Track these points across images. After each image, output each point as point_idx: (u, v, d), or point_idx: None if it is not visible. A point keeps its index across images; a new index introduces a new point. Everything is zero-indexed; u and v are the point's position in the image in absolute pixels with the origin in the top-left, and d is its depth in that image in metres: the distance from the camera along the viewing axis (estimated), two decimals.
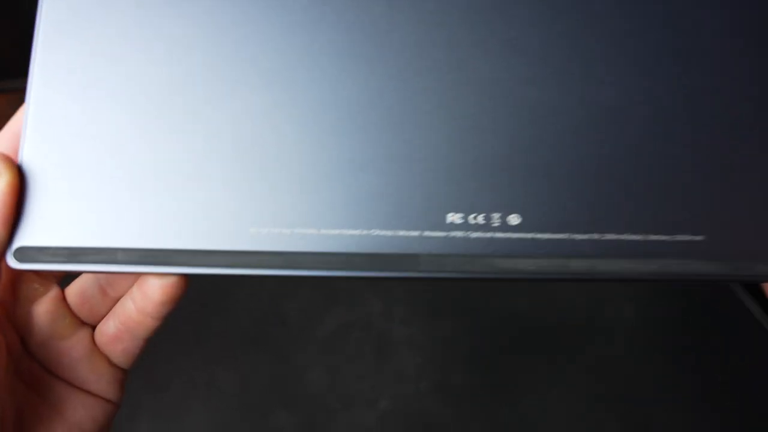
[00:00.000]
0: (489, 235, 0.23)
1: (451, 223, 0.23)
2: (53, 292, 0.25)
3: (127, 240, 0.22)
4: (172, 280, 0.23)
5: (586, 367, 0.54)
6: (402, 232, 0.23)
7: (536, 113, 0.23)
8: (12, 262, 0.22)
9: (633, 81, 0.24)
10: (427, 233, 0.23)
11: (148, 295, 0.23)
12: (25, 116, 0.23)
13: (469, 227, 0.23)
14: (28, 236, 0.22)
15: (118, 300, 0.25)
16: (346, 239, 0.22)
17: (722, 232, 0.23)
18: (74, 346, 0.25)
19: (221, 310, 0.53)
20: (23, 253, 0.22)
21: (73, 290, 0.26)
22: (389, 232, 0.23)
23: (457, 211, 0.23)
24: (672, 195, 0.23)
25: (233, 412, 0.51)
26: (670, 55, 0.24)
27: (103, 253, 0.22)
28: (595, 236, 0.23)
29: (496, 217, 0.23)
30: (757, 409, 0.53)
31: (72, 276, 0.25)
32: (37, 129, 0.23)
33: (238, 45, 0.23)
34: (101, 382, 0.25)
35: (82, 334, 0.25)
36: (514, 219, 0.23)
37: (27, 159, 0.23)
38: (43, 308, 0.24)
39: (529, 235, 0.23)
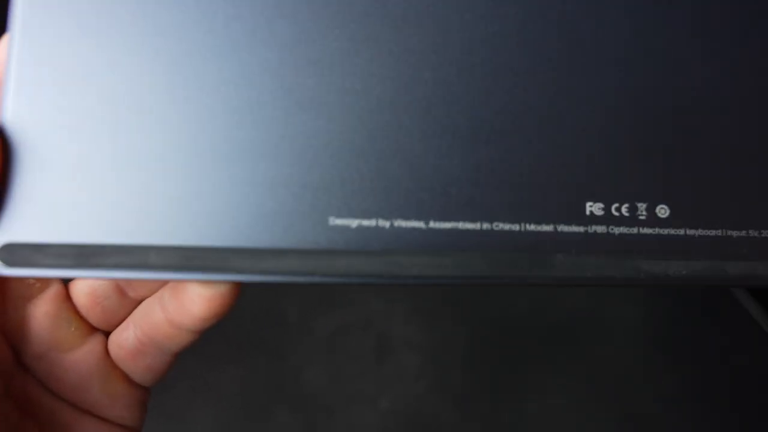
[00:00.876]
0: (635, 230, 0.18)
1: (591, 215, 0.18)
2: (54, 289, 0.18)
3: (163, 235, 0.16)
4: (221, 290, 0.17)
5: (587, 367, 0.53)
6: (530, 227, 0.17)
7: (686, 81, 0.19)
8: None
9: None
10: (562, 228, 0.18)
11: (187, 307, 0.17)
12: (7, 66, 0.16)
13: (611, 220, 0.18)
14: (18, 229, 0.15)
15: (140, 302, 0.19)
16: (461, 234, 0.17)
17: None
18: (82, 359, 0.19)
19: None
20: (12, 254, 0.15)
21: (80, 288, 0.19)
22: (515, 227, 0.17)
23: (597, 200, 0.18)
24: None
25: (234, 411, 0.50)
26: None
27: (128, 254, 0.16)
28: (753, 233, 0.19)
29: (641, 208, 0.18)
30: (757, 410, 0.54)
31: None
32: (25, 80, 0.16)
33: (265, 17, 0.17)
34: (117, 405, 0.19)
35: (93, 345, 0.19)
36: (662, 211, 0.18)
37: (12, 119, 0.15)
38: (42, 310, 0.18)
39: (680, 231, 0.18)
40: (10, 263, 0.15)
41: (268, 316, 0.52)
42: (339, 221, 0.17)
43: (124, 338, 0.19)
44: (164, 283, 0.18)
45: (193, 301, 0.17)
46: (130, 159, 0.16)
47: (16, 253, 0.15)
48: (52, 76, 0.16)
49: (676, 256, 0.18)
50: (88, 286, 0.19)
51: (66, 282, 0.19)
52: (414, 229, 0.17)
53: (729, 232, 0.18)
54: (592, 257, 0.18)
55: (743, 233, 0.19)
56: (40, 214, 0.15)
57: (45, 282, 0.18)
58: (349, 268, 0.16)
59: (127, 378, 0.19)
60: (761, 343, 0.54)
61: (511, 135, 0.18)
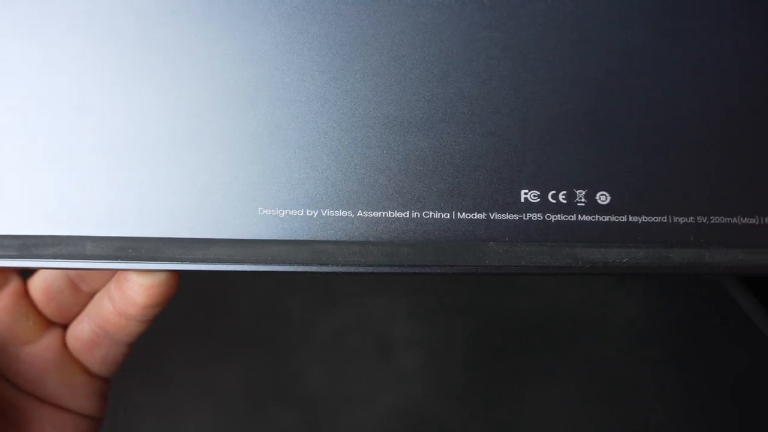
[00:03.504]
0: (572, 217, 0.18)
1: (526, 203, 0.18)
2: (12, 285, 0.19)
3: (100, 227, 0.17)
4: (159, 278, 0.17)
5: (587, 367, 0.53)
6: (463, 215, 0.17)
7: (628, 65, 0.18)
8: None
9: (748, 32, 0.19)
10: (495, 216, 0.17)
11: (129, 297, 0.18)
12: None
13: (548, 208, 0.18)
14: None
15: (93, 295, 0.20)
16: (391, 224, 0.17)
17: None
18: (41, 352, 0.20)
19: (221, 308, 0.52)
20: None
21: (36, 284, 0.20)
22: (446, 215, 0.17)
23: (532, 188, 0.18)
24: None
25: (234, 411, 0.50)
26: None
27: (67, 244, 0.16)
28: (701, 219, 0.18)
29: (580, 194, 0.18)
30: (757, 409, 0.53)
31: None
32: None
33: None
34: (76, 395, 0.20)
35: (51, 338, 0.20)
36: (602, 198, 0.18)
37: None
38: (0, 306, 0.19)
39: (621, 218, 0.18)
40: None
41: (268, 316, 0.52)
42: (267, 211, 0.17)
43: (80, 330, 0.20)
44: (112, 275, 0.19)
45: (133, 290, 0.18)
46: (67, 153, 0.17)
47: None
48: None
49: (616, 243, 0.18)
50: (43, 281, 0.20)
51: (25, 278, 0.20)
52: (342, 219, 0.17)
53: (675, 219, 0.18)
54: (526, 245, 0.17)
55: (690, 220, 0.18)
56: (39, 193, 0.16)
57: (2, 278, 0.19)
58: (276, 257, 0.17)
59: (85, 369, 0.20)
60: (761, 343, 0.52)
61: (441, 123, 0.18)
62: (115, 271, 0.18)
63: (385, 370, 0.51)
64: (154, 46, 0.17)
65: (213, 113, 0.17)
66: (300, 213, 0.17)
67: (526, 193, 0.18)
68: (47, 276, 0.20)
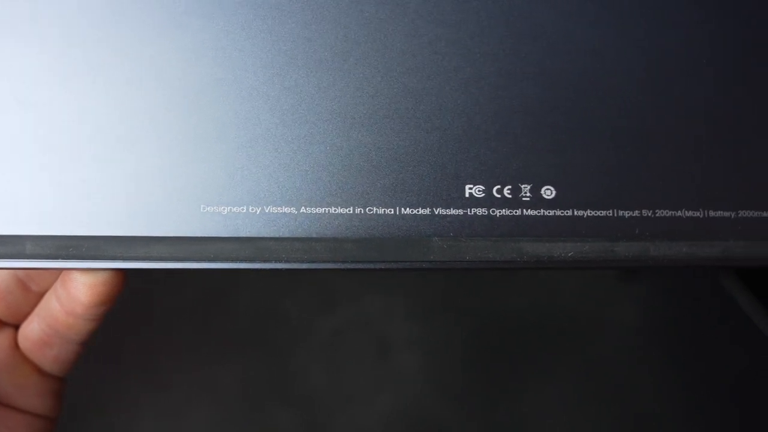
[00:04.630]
0: (517, 212, 0.18)
1: (471, 198, 0.18)
2: None
3: (40, 226, 0.16)
4: (103, 277, 0.17)
5: (587, 367, 0.52)
6: (407, 210, 0.17)
7: (575, 59, 0.18)
8: None
9: (695, 35, 0.19)
10: (440, 211, 0.17)
11: (74, 296, 0.17)
12: None
13: (493, 202, 0.18)
14: None
15: (43, 295, 0.19)
16: (334, 220, 0.17)
17: None
18: None
19: (221, 308, 0.51)
20: None
21: None
22: (390, 210, 0.17)
23: (477, 183, 0.18)
24: (736, 164, 0.19)
25: (233, 411, 0.50)
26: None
27: (6, 244, 0.16)
28: (646, 213, 0.18)
29: (525, 189, 0.18)
30: (757, 409, 0.53)
31: None
32: None
33: None
34: (28, 395, 0.20)
35: (1, 338, 0.20)
36: (547, 192, 0.18)
37: None
38: None
39: (567, 213, 0.18)
40: None
41: (268, 316, 0.52)
42: (210, 209, 0.17)
43: (30, 330, 0.20)
44: (60, 274, 0.19)
45: (77, 289, 0.17)
46: (5, 152, 0.17)
47: None
48: None
49: (562, 237, 0.18)
50: None
51: None
52: (285, 215, 0.17)
53: (620, 213, 0.18)
54: (471, 240, 0.17)
55: (635, 213, 0.18)
56: None
57: None
58: (219, 254, 0.17)
59: (37, 368, 0.20)
60: (761, 343, 0.53)
61: (385, 118, 0.17)
62: (58, 270, 0.18)
63: (383, 370, 0.51)
64: (94, 46, 0.17)
65: (155, 111, 0.17)
66: (243, 210, 0.17)
67: (470, 188, 0.18)
68: None
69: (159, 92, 0.17)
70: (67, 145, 0.17)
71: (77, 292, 0.17)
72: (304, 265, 0.17)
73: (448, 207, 0.17)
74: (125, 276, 0.18)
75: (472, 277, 0.55)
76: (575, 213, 0.18)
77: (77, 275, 0.17)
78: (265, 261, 0.17)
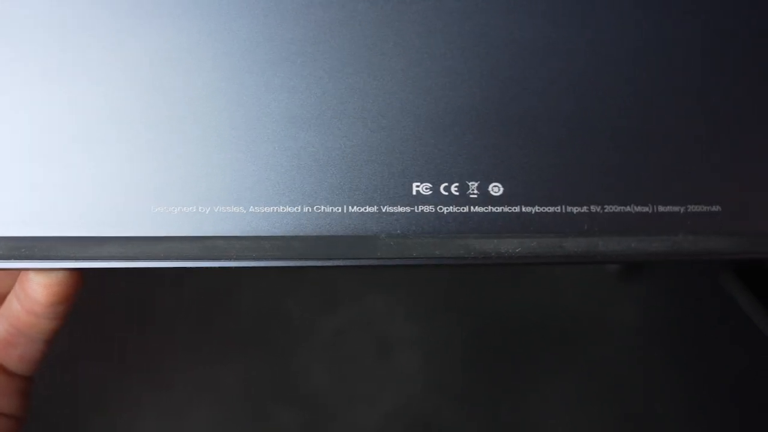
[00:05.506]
0: (464, 209, 0.18)
1: (418, 195, 0.18)
2: None
3: None
4: (58, 277, 0.18)
5: (587, 367, 0.52)
6: (354, 209, 0.18)
7: (520, 56, 0.18)
8: None
9: (638, 23, 0.19)
10: (387, 209, 0.18)
11: (31, 296, 0.18)
12: None
13: (439, 200, 0.18)
14: None
15: (4, 297, 0.20)
16: (284, 218, 0.17)
17: (741, 202, 0.19)
18: None
19: (223, 309, 0.51)
20: None
21: None
22: (337, 209, 0.18)
23: (424, 180, 0.18)
24: (684, 159, 0.19)
25: (235, 411, 0.50)
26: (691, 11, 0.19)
27: None
28: (595, 209, 0.18)
29: (473, 186, 0.18)
30: (757, 409, 0.53)
31: None
32: None
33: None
34: None
35: None
36: (495, 189, 0.18)
37: None
38: None
39: (514, 209, 0.18)
40: None
41: (269, 316, 0.52)
42: (161, 209, 0.17)
43: None
44: (17, 275, 0.19)
45: (34, 289, 0.18)
46: None
47: None
48: None
49: (509, 234, 0.18)
50: None
51: None
52: (234, 214, 0.17)
53: (569, 209, 0.18)
54: (418, 238, 0.18)
55: (584, 209, 0.18)
56: None
57: None
58: (169, 253, 0.17)
59: (2, 368, 0.20)
60: (761, 343, 0.52)
61: (333, 118, 0.18)
62: (14, 270, 0.18)
63: (384, 370, 0.51)
64: (45, 48, 0.18)
65: (105, 112, 0.17)
66: (192, 209, 0.17)
67: (417, 186, 0.18)
68: None
69: (110, 94, 0.17)
70: (19, 147, 0.17)
71: (34, 292, 0.18)
72: (253, 263, 0.17)
73: (395, 205, 0.18)
74: (81, 275, 0.18)
75: (473, 277, 0.55)
76: (523, 209, 0.18)
77: (33, 275, 0.18)
78: (214, 259, 0.17)
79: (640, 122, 0.19)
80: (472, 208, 0.18)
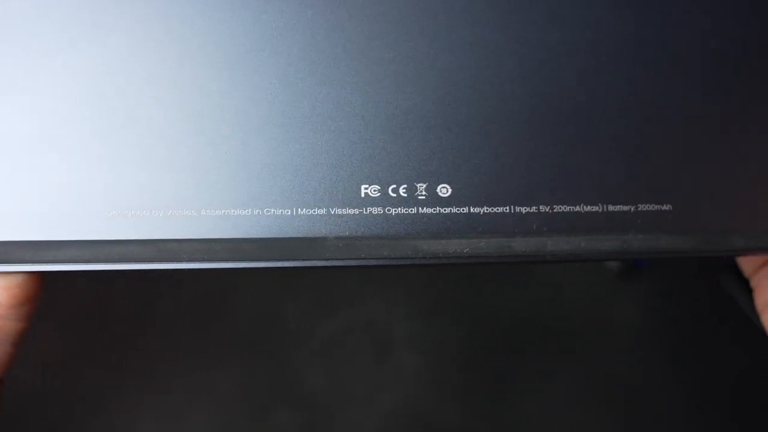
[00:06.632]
0: (413, 210, 0.18)
1: (367, 197, 0.18)
2: None
3: None
4: (17, 279, 0.18)
5: (587, 367, 0.53)
6: (304, 211, 0.18)
7: (467, 58, 0.19)
8: None
9: (591, 22, 0.19)
10: (336, 211, 0.18)
11: None
12: None
13: (388, 202, 0.18)
14: None
15: None
16: (235, 221, 0.18)
17: (692, 201, 0.19)
18: None
19: (221, 311, 0.52)
20: None
21: None
22: (287, 211, 0.18)
23: (373, 182, 0.18)
24: (634, 158, 0.19)
25: (234, 412, 0.50)
26: (645, 14, 0.19)
27: None
28: (544, 209, 0.19)
29: (421, 188, 0.18)
30: (757, 410, 0.53)
31: None
32: None
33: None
34: None
35: None
36: (443, 190, 0.18)
37: None
38: None
39: (463, 210, 0.18)
40: None
41: (268, 317, 0.52)
42: (115, 213, 0.18)
43: None
44: None
45: None
46: None
47: None
48: None
49: (458, 234, 0.18)
50: None
51: None
52: (187, 217, 0.18)
53: (517, 209, 0.18)
54: (367, 239, 0.18)
55: (533, 209, 0.18)
56: None
57: None
58: (124, 256, 0.18)
59: None
60: (761, 343, 0.52)
61: (282, 122, 0.18)
62: None
63: (383, 371, 0.52)
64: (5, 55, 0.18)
65: (62, 116, 0.18)
66: (146, 213, 0.18)
67: (366, 188, 0.18)
68: None
69: (66, 100, 0.18)
70: None
71: None
72: (205, 265, 0.18)
73: (344, 207, 0.18)
74: (42, 278, 0.19)
75: (472, 278, 0.55)
76: (471, 210, 0.18)
77: None
78: (167, 261, 0.18)
79: (589, 122, 0.19)
80: (420, 209, 0.18)
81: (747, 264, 0.24)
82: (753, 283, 0.24)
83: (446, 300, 0.54)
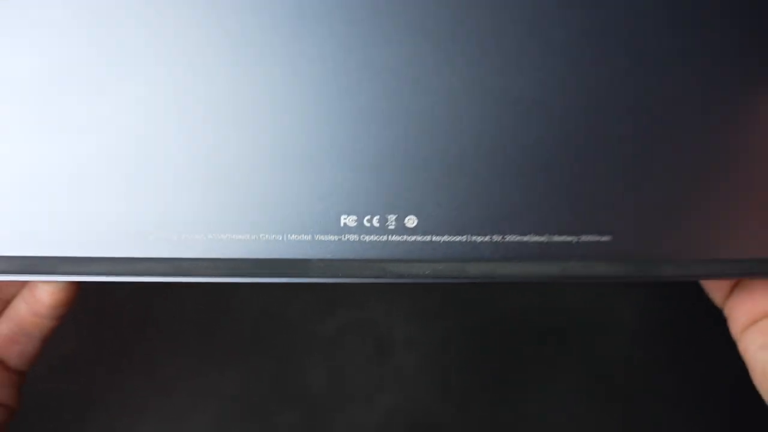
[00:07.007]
0: (384, 238, 0.22)
1: (345, 226, 0.22)
2: None
3: (8, 247, 0.22)
4: (60, 285, 0.23)
5: (587, 368, 0.53)
6: (292, 236, 0.22)
7: (430, 106, 0.22)
8: None
9: (538, 76, 0.22)
10: (319, 237, 0.22)
11: (38, 298, 0.23)
12: None
13: (363, 230, 0.22)
14: None
15: (8, 302, 0.25)
16: (234, 244, 0.22)
17: (628, 233, 0.22)
18: None
19: (223, 312, 0.52)
20: None
21: None
22: (278, 237, 0.22)
23: (350, 213, 0.22)
24: (578, 194, 0.22)
25: (235, 412, 0.51)
26: (582, 55, 0.21)
27: None
28: (496, 238, 0.22)
29: (391, 219, 0.22)
30: (757, 410, 0.53)
31: None
32: None
33: (133, 45, 0.21)
34: None
35: None
36: (410, 221, 0.22)
37: None
38: None
39: (426, 238, 0.22)
40: None
41: (270, 318, 0.52)
42: (140, 235, 0.22)
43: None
44: (22, 285, 0.24)
45: (42, 294, 0.23)
46: None
47: None
48: None
49: (421, 259, 0.22)
50: None
51: None
52: (197, 240, 0.22)
53: (473, 238, 0.22)
54: (344, 261, 0.22)
55: (486, 238, 0.22)
56: None
57: None
58: (147, 270, 0.22)
59: (3, 364, 0.25)
60: None
61: (273, 161, 0.21)
62: (26, 282, 0.23)
63: (383, 371, 0.51)
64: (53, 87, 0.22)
65: (102, 158, 0.21)
66: (164, 235, 0.22)
67: (345, 218, 0.22)
68: None
69: (105, 144, 0.21)
70: (27, 183, 0.22)
71: (42, 296, 0.23)
72: (211, 279, 0.22)
73: (326, 233, 0.22)
74: (79, 285, 0.23)
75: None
76: (433, 238, 0.22)
77: (41, 284, 0.23)
78: (181, 275, 0.22)
79: (537, 165, 0.22)
80: (390, 237, 0.22)
81: (715, 295, 0.26)
82: (725, 313, 0.26)
83: (446, 301, 0.54)
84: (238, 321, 0.52)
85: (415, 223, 0.22)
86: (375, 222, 0.22)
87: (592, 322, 0.54)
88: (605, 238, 0.22)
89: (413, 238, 0.22)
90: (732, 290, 0.26)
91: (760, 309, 0.24)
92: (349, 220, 0.22)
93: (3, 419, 0.25)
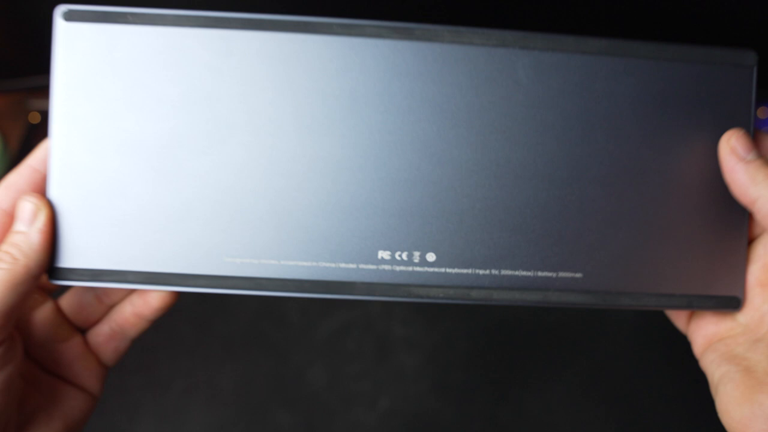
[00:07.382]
0: (410, 268, 0.29)
1: (381, 259, 0.29)
2: (49, 303, 0.30)
3: (135, 264, 0.30)
4: (168, 293, 0.30)
5: (587, 367, 0.53)
6: (342, 264, 0.29)
7: (449, 173, 0.29)
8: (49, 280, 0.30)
9: (530, 153, 0.29)
10: (362, 266, 0.29)
11: (149, 303, 0.31)
12: (49, 159, 0.29)
13: (395, 262, 0.29)
14: (61, 259, 0.29)
15: (111, 307, 0.31)
16: (300, 268, 0.29)
17: (596, 272, 0.29)
18: (71, 347, 0.30)
19: (222, 310, 0.52)
20: (58, 273, 0.29)
21: (68, 300, 0.31)
22: (332, 264, 0.29)
23: (386, 249, 0.29)
24: (558, 241, 0.29)
25: (233, 412, 0.51)
26: (569, 130, 0.29)
27: (116, 275, 0.30)
28: (494, 272, 0.29)
29: (416, 254, 0.29)
30: None
31: (63, 289, 0.31)
32: (60, 171, 0.29)
33: (225, 105, 0.29)
34: (91, 378, 0.30)
35: (78, 338, 0.30)
36: (430, 256, 0.29)
37: (55, 197, 0.29)
38: (42, 315, 0.29)
39: (442, 270, 0.29)
40: (55, 278, 0.29)
41: (269, 317, 0.52)
42: (228, 259, 0.29)
43: (101, 330, 0.31)
44: (129, 292, 0.31)
45: (154, 298, 0.30)
46: (118, 224, 0.30)
47: (59, 273, 0.29)
48: (78, 175, 0.30)
49: (437, 285, 0.29)
50: (75, 298, 0.30)
51: (55, 298, 0.31)
52: (272, 264, 0.29)
53: (476, 271, 0.29)
54: (379, 285, 0.29)
55: (486, 272, 0.29)
56: (71, 253, 0.29)
57: (44, 297, 0.30)
58: (231, 285, 0.29)
59: (97, 359, 0.30)
60: None
61: (330, 208, 0.29)
62: (129, 290, 0.31)
63: (383, 371, 0.52)
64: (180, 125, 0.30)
65: (199, 196, 0.29)
66: (246, 260, 0.29)
67: (381, 253, 0.29)
68: (78, 293, 0.30)
69: (209, 182, 0.29)
70: (155, 219, 0.30)
71: (153, 300, 0.30)
72: (281, 293, 0.29)
73: (367, 263, 0.29)
74: (178, 294, 0.31)
75: None
76: (447, 270, 0.29)
77: (153, 291, 0.30)
78: (259, 290, 0.29)
79: (528, 217, 0.29)
80: (414, 268, 0.29)
81: (679, 323, 0.32)
82: (688, 337, 0.31)
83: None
84: (236, 319, 0.53)
85: (434, 258, 0.29)
86: (404, 256, 0.29)
87: (593, 323, 0.55)
88: (578, 275, 0.29)
89: (432, 269, 0.29)
90: (690, 319, 0.32)
91: (711, 333, 0.31)
92: (384, 254, 0.29)
93: (90, 406, 0.31)
